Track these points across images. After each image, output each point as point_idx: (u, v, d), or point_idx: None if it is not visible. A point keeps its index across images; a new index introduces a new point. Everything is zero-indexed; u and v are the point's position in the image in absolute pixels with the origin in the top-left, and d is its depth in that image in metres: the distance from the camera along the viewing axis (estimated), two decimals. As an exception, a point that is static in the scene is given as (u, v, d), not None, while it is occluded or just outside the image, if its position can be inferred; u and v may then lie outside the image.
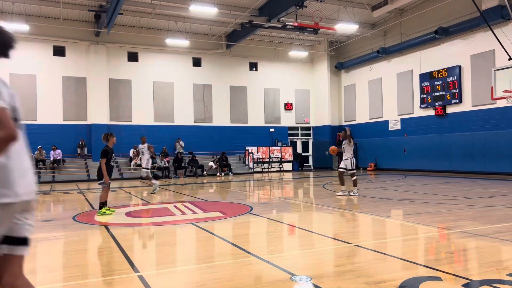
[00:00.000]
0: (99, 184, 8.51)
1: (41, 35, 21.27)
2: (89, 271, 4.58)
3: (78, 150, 22.31)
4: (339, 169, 11.35)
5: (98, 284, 4.04)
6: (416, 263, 4.41)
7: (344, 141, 11.07)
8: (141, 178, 16.25)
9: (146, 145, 13.69)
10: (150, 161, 13.97)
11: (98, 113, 22.38)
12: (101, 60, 22.57)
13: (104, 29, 20.83)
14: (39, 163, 20.36)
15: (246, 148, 25.35)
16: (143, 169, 14.12)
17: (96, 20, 21.30)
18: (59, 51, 22.08)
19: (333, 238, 5.90)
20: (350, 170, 11.02)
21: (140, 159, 14.63)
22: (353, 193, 10.92)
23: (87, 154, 22.34)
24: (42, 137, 21.13)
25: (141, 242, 6.23)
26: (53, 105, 21.81)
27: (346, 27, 20.99)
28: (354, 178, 11.02)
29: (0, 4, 19.19)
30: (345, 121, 27.45)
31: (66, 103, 22.16)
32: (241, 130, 26.27)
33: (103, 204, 8.46)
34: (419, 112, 21.67)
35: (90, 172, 20.58)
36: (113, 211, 8.66)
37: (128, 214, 8.77)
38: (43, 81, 21.64)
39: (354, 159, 11.13)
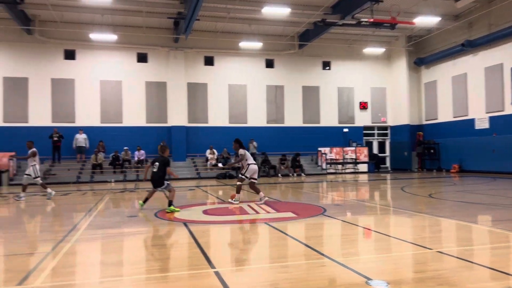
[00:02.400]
0: (160, 189, 9.29)
1: (127, 43, 22.95)
2: (169, 265, 4.83)
3: (159, 151, 23.66)
4: (242, 178, 10.49)
5: (177, 277, 4.25)
6: (507, 274, 4.03)
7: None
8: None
9: (33, 150, 12.23)
10: (37, 168, 12.34)
11: (177, 115, 23.58)
12: (180, 65, 23.75)
13: (182, 35, 21.87)
14: (125, 163, 21.98)
15: (319, 149, 25.04)
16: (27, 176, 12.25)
17: (175, 27, 22.45)
18: (142, 58, 23.62)
19: (412, 243, 5.60)
20: (249, 178, 10.40)
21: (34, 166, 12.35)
22: (233, 200, 10.33)
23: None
24: (127, 139, 22.81)
25: (217, 239, 6.43)
26: (137, 108, 23.39)
27: (426, 20, 19.90)
28: (239, 183, 10.46)
29: (92, 16, 21.04)
30: (425, 120, 26.00)
31: (149, 107, 23.63)
32: (314, 130, 26.01)
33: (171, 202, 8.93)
34: (510, 109, 19.81)
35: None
36: (179, 210, 9.07)
37: (205, 212, 9.12)
38: (128, 86, 23.29)
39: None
